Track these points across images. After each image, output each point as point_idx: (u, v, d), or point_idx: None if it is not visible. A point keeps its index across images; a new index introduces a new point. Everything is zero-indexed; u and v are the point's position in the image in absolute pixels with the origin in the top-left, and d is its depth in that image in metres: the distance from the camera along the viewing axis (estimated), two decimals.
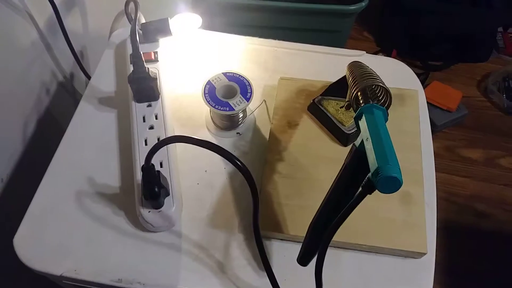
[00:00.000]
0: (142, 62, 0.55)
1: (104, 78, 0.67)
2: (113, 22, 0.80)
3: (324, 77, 0.65)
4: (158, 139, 0.57)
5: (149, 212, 0.51)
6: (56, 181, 0.57)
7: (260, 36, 1.49)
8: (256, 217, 0.44)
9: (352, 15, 1.45)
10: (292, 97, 0.63)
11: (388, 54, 1.69)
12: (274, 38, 1.44)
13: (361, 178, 0.38)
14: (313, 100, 0.60)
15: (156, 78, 0.57)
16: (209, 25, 1.58)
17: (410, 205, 0.53)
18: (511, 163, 1.47)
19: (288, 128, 0.60)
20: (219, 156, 0.59)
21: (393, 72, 0.68)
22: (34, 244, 0.52)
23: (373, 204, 0.52)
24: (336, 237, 0.50)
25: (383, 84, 0.45)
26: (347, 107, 0.47)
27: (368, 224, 0.51)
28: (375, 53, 1.70)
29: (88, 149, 0.60)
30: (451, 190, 1.42)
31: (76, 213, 0.54)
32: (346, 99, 0.50)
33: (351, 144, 0.42)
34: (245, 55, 0.71)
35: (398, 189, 0.35)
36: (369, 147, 0.39)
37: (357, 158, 0.40)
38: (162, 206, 0.52)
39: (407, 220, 0.52)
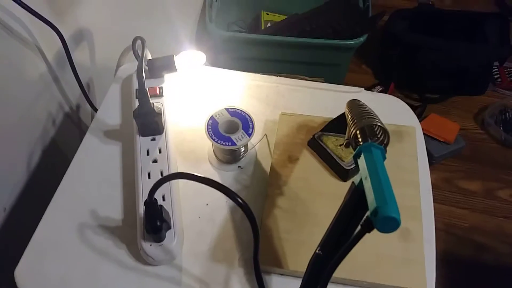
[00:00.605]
0: (147, 98, 0.57)
1: (110, 111, 0.69)
2: (120, 57, 0.82)
3: (324, 113, 0.67)
4: (161, 172, 0.58)
5: (150, 245, 0.52)
6: (59, 214, 0.58)
7: (263, 69, 1.53)
8: (256, 252, 0.45)
9: (351, 50, 1.49)
10: (292, 132, 0.64)
11: (386, 87, 1.72)
12: (277, 70, 1.49)
13: (360, 216, 0.40)
14: (313, 135, 0.61)
15: (161, 113, 0.59)
16: (213, 60, 1.63)
17: (409, 241, 0.53)
18: (510, 195, 1.48)
19: (289, 163, 0.61)
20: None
21: (390, 108, 0.70)
22: (35, 276, 0.53)
23: (372, 240, 0.52)
24: (336, 273, 0.51)
25: (381, 123, 0.47)
26: (346, 145, 0.48)
27: (367, 260, 0.52)
28: (374, 85, 1.73)
29: (92, 182, 0.61)
30: (450, 222, 1.42)
31: (78, 246, 0.55)
32: (346, 137, 0.51)
33: (351, 180, 0.43)
34: (247, 91, 0.73)
35: (396, 229, 0.36)
36: (368, 186, 0.40)
37: (356, 196, 0.41)
38: (164, 239, 0.52)
39: (406, 256, 0.52)
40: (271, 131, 0.67)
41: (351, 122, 0.49)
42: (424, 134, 1.51)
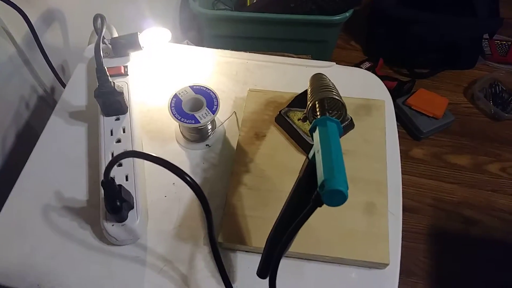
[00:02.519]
0: (107, 76, 0.56)
1: (76, 92, 0.68)
2: (90, 37, 0.80)
3: (294, 89, 0.65)
4: None
5: (112, 225, 0.52)
6: (23, 196, 0.57)
7: (249, 47, 1.51)
8: (211, 232, 0.44)
9: (337, 26, 1.46)
10: (260, 109, 0.63)
11: (375, 63, 1.70)
12: (263, 48, 1.47)
13: (314, 191, 0.39)
14: (280, 111, 0.60)
15: (122, 92, 0.58)
16: (198, 38, 1.60)
17: (374, 215, 0.53)
18: (499, 169, 1.48)
19: (256, 140, 0.60)
20: (188, 169, 0.61)
21: (362, 82, 0.69)
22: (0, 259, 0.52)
23: (336, 214, 0.52)
24: (298, 248, 0.51)
25: (339, 96, 0.46)
26: (304, 120, 0.47)
27: (330, 235, 0.51)
28: (362, 61, 1.71)
29: (57, 164, 0.61)
30: (439, 196, 1.42)
31: (42, 228, 0.55)
32: (304, 112, 0.50)
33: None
34: (216, 67, 0.71)
35: (343, 203, 0.36)
36: (319, 159, 0.39)
37: (310, 171, 0.41)
38: (126, 219, 0.52)
39: (370, 230, 0.52)
40: (241, 108, 0.66)
41: (309, 95, 0.48)
42: (412, 109, 1.53)
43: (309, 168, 0.41)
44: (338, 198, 0.35)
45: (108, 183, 0.47)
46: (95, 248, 0.53)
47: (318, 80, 0.50)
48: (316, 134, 0.43)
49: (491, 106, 1.57)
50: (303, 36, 1.50)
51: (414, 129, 1.52)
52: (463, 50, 1.65)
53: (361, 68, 1.67)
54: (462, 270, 1.27)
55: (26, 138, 0.78)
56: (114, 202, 0.49)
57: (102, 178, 0.54)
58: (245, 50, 1.46)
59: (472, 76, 1.70)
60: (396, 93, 1.60)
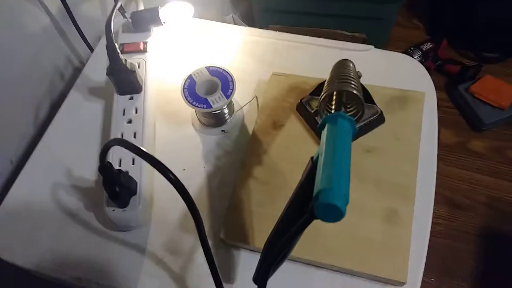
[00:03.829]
0: (117, 53, 0.53)
1: (97, 67, 0.66)
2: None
3: (323, 74, 0.59)
4: (135, 134, 0.55)
5: (113, 210, 0.50)
6: (35, 172, 0.57)
7: (299, 22, 1.43)
8: (202, 237, 0.40)
9: (396, 2, 1.34)
10: (282, 95, 0.58)
11: (437, 44, 1.55)
12: (314, 25, 1.38)
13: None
14: (301, 99, 0.55)
15: (134, 71, 0.55)
16: (248, 11, 1.54)
17: (395, 225, 0.46)
18: None
19: (273, 129, 0.55)
20: (200, 155, 0.57)
21: (405, 71, 0.61)
22: (5, 234, 0.53)
23: (351, 220, 0.47)
24: (305, 254, 0.46)
25: (358, 90, 0.39)
26: (315, 114, 0.42)
27: (342, 243, 0.46)
28: (423, 42, 1.56)
29: (71, 140, 0.60)
30: (496, 195, 1.29)
31: (49, 206, 0.54)
32: (317, 104, 0.44)
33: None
34: (241, 46, 0.66)
35: (339, 220, 0.30)
36: (320, 164, 0.34)
37: (311, 175, 0.35)
38: (127, 205, 0.50)
39: (389, 242, 0.46)
40: (263, 92, 0.61)
41: (326, 85, 0.42)
42: (475, 97, 1.38)
43: (311, 171, 0.36)
44: (332, 213, 0.30)
45: (104, 169, 0.44)
46: (97, 231, 0.52)
47: (339, 68, 0.44)
48: (324, 132, 0.37)
49: None
50: (356, 12, 1.40)
51: (475, 119, 1.38)
52: None
53: (422, 49, 1.53)
54: (511, 277, 1.15)
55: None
56: (113, 187, 0.47)
57: (107, 159, 0.53)
58: (297, 26, 1.40)
59: None
60: (459, 79, 1.46)
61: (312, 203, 0.32)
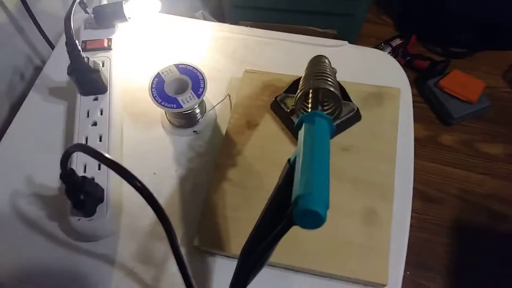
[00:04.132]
0: (78, 51, 0.49)
1: (58, 66, 0.62)
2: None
3: (297, 71, 0.57)
4: (101, 137, 0.52)
5: (78, 220, 0.46)
6: None
7: (270, 19, 1.41)
8: (173, 245, 0.38)
9: None
10: (255, 93, 0.56)
11: (407, 39, 1.56)
12: (286, 21, 1.37)
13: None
14: (276, 97, 0.53)
15: (98, 70, 0.52)
16: (218, 7, 1.51)
17: (374, 226, 0.45)
18: None
19: (247, 129, 0.53)
20: (171, 157, 0.55)
21: (377, 66, 0.60)
22: None
23: (329, 222, 0.45)
24: (282, 259, 0.44)
25: (334, 87, 0.38)
26: (291, 112, 0.40)
27: (320, 246, 0.44)
28: (393, 38, 1.57)
29: (31, 145, 0.56)
30: (466, 188, 1.32)
31: (8, 216, 0.50)
32: (292, 103, 0.43)
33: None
34: (212, 43, 0.64)
35: (319, 226, 0.29)
36: (298, 166, 0.32)
37: (289, 178, 0.34)
38: (94, 214, 0.47)
39: (368, 244, 0.44)
40: (236, 90, 0.58)
41: (301, 82, 0.40)
42: (444, 92, 1.40)
43: (289, 174, 0.34)
44: (312, 220, 0.28)
45: (67, 176, 0.41)
46: (62, 242, 0.49)
47: (314, 65, 0.42)
48: (301, 133, 0.35)
49: None
50: (329, 9, 1.39)
51: (444, 113, 1.40)
52: (506, 28, 1.49)
53: (392, 45, 1.54)
54: (483, 268, 1.18)
55: None
56: (77, 196, 0.43)
57: (71, 165, 0.50)
58: (268, 22, 1.38)
59: None
60: (428, 74, 1.48)
61: (290, 209, 0.30)
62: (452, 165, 1.37)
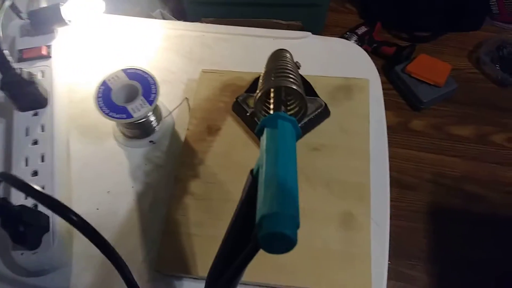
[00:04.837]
0: (8, 63, 0.43)
1: None
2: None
3: (259, 68, 0.52)
4: (43, 157, 0.46)
5: (21, 254, 0.41)
6: None
7: (232, 14, 1.36)
8: (128, 281, 0.33)
9: None
10: (215, 94, 0.51)
11: (372, 27, 1.54)
12: (248, 15, 1.32)
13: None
14: (237, 98, 0.48)
15: (33, 82, 0.46)
16: (178, 5, 1.44)
17: (352, 230, 0.42)
18: (505, 139, 1.36)
19: (208, 135, 0.48)
20: (126, 172, 0.49)
21: (346, 57, 0.56)
22: None
23: (304, 231, 0.41)
24: (251, 277, 0.40)
25: (297, 85, 0.33)
26: (251, 115, 0.36)
27: (295, 258, 0.40)
28: (358, 26, 1.55)
29: None
30: (439, 171, 1.31)
31: None
32: (252, 104, 0.38)
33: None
34: (165, 43, 0.59)
35: (290, 250, 0.24)
36: (261, 180, 0.27)
37: (252, 192, 0.29)
38: (39, 246, 0.41)
39: (348, 250, 0.41)
40: (194, 93, 0.54)
41: (260, 81, 0.36)
42: (412, 77, 1.39)
43: (252, 188, 0.30)
44: (281, 243, 0.24)
45: (0, 208, 0.36)
46: (5, 279, 0.43)
47: (275, 60, 0.38)
48: (263, 139, 0.31)
49: (498, 71, 1.43)
50: (292, 0, 1.36)
51: (413, 98, 1.39)
52: (468, 10, 1.49)
53: (357, 33, 1.52)
54: (464, 250, 1.18)
55: None
56: (15, 228, 0.38)
57: (10, 191, 0.44)
58: (230, 17, 1.33)
59: (478, 39, 1.55)
60: (394, 60, 1.47)
61: (255, 231, 0.25)
62: (425, 150, 1.36)
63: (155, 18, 1.25)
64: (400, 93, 1.44)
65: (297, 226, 0.25)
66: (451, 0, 1.47)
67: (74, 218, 0.28)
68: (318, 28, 1.51)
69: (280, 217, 0.24)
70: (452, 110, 1.41)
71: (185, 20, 1.34)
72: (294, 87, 0.33)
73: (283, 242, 0.24)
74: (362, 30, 1.55)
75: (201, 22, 1.34)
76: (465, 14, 1.51)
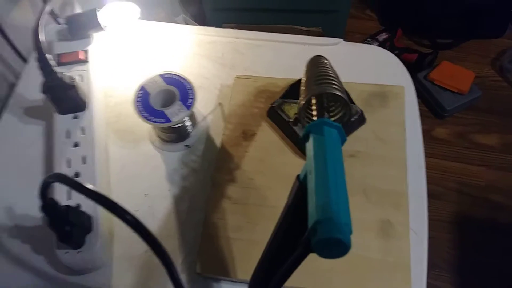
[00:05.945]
0: (49, 66, 0.45)
1: (32, 83, 0.57)
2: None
3: (292, 74, 0.53)
4: (84, 159, 0.47)
5: (66, 253, 0.42)
6: None
7: (253, 20, 1.37)
8: (174, 278, 0.34)
9: None
10: (249, 100, 0.52)
11: (392, 33, 1.54)
12: (269, 21, 1.33)
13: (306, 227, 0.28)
14: (272, 104, 0.49)
15: (74, 85, 0.47)
16: (198, 11, 1.46)
17: (391, 238, 0.42)
18: None
19: (243, 140, 0.49)
20: (163, 176, 0.50)
21: (376, 63, 0.56)
22: None
23: None
24: (292, 282, 0.40)
25: (341, 91, 0.34)
26: (294, 122, 0.36)
27: (332, 264, 0.40)
28: (378, 32, 1.55)
29: (9, 172, 0.51)
30: (464, 180, 1.29)
31: None
32: (291, 109, 0.39)
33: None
34: (197, 49, 0.60)
35: (344, 255, 0.25)
36: (311, 185, 0.28)
37: (300, 197, 0.30)
38: (83, 245, 0.42)
39: (386, 259, 0.41)
40: (227, 98, 0.54)
41: (302, 88, 0.36)
42: (435, 84, 1.38)
43: (299, 193, 0.30)
44: (335, 249, 0.24)
45: (47, 208, 0.37)
46: (49, 277, 0.44)
47: (314, 67, 0.38)
48: (309, 145, 0.31)
49: None
50: (312, 6, 1.36)
51: (437, 106, 1.38)
52: (491, 16, 1.48)
53: (378, 39, 1.52)
54: (488, 261, 1.16)
55: None
56: (61, 227, 0.39)
57: (54, 192, 0.45)
58: (251, 24, 1.34)
59: (500, 46, 1.53)
60: (416, 67, 1.46)
61: (307, 235, 0.26)
62: (449, 158, 1.35)
63: (179, 23, 1.27)
64: (423, 101, 1.43)
65: (350, 231, 0.25)
66: (474, 7, 1.46)
67: (129, 217, 0.29)
68: (338, 34, 1.50)
69: (335, 223, 0.25)
70: (475, 118, 1.40)
71: (206, 25, 1.36)
72: (339, 93, 0.33)
73: (337, 247, 0.24)
74: (383, 36, 1.54)
75: (223, 27, 1.35)
76: (488, 21, 1.50)
